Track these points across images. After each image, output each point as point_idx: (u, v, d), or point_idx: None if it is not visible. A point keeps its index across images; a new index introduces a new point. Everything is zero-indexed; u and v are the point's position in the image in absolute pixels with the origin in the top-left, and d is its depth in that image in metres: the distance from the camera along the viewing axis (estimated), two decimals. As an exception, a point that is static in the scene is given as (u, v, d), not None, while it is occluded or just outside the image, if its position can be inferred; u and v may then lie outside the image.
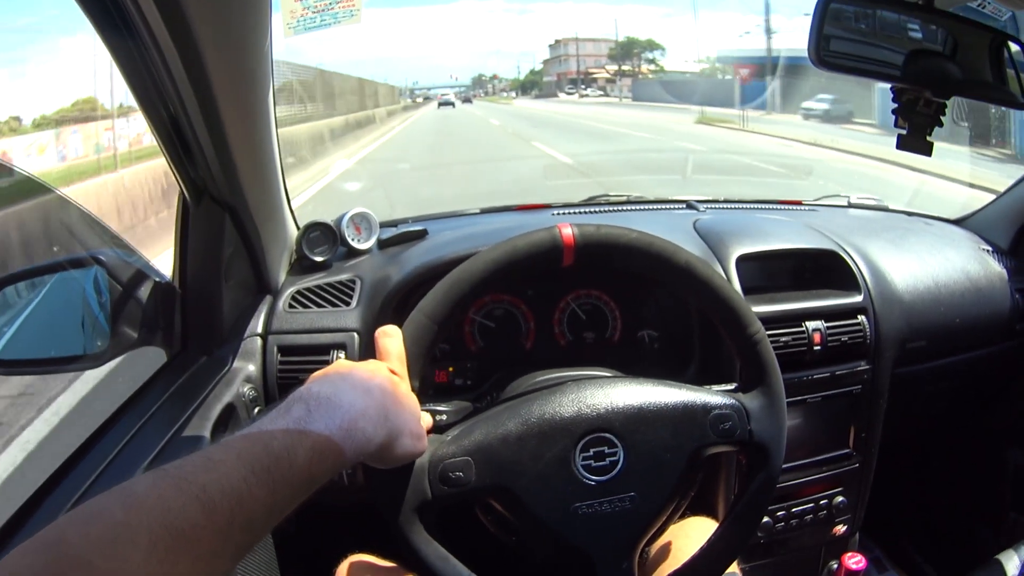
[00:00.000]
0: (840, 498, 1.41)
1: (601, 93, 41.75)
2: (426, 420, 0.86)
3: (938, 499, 1.88)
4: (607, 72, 43.37)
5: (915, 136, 1.03)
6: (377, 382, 0.76)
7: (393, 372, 0.82)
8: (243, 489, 0.57)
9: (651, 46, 42.69)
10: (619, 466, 0.88)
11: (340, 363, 0.82)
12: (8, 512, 0.87)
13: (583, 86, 44.57)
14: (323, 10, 0.95)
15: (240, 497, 0.57)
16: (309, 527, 1.34)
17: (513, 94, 54.05)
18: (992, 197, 1.83)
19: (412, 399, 0.81)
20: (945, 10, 1.03)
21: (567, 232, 0.91)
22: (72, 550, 0.48)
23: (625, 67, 43.73)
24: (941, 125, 1.02)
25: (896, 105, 1.03)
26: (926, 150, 1.03)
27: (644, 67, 42.68)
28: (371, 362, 0.82)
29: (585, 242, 0.91)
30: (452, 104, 39.56)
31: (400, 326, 0.88)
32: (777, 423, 0.95)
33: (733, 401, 0.93)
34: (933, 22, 1.02)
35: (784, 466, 1.23)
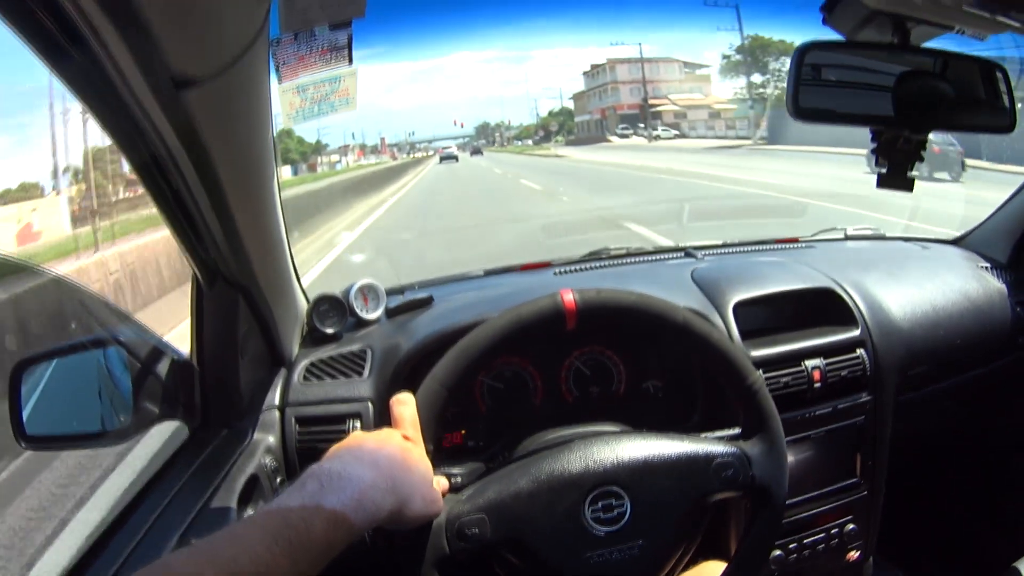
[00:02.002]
0: (851, 526, 1.43)
1: (676, 133, 27.39)
2: (442, 483, 0.92)
3: (952, 514, 1.89)
4: (675, 103, 28.30)
5: (895, 174, 1.05)
6: (386, 453, 0.81)
7: (407, 438, 0.88)
8: (268, 559, 0.63)
9: (781, 50, 23.34)
10: (626, 516, 0.92)
11: (352, 437, 0.87)
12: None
13: (643, 124, 29.28)
14: (321, 100, 1.00)
15: (266, 567, 0.62)
16: None
17: (529, 142, 40.98)
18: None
19: (424, 464, 0.86)
20: (921, 46, 1.04)
21: (568, 298, 0.96)
22: None
23: (738, 92, 26.45)
24: (921, 160, 1.04)
25: (874, 145, 1.05)
26: (907, 187, 1.05)
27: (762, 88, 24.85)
28: (383, 432, 0.88)
29: (586, 307, 0.97)
30: (455, 158, 32.93)
31: (413, 393, 0.93)
32: (778, 467, 0.98)
33: (735, 449, 0.97)
34: (916, 59, 1.03)
35: (793, 500, 1.26)
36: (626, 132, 30.39)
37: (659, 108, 29.32)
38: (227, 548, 0.63)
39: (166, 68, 0.71)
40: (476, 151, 38.67)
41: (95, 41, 0.65)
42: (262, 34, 0.78)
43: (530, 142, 41.63)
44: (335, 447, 0.85)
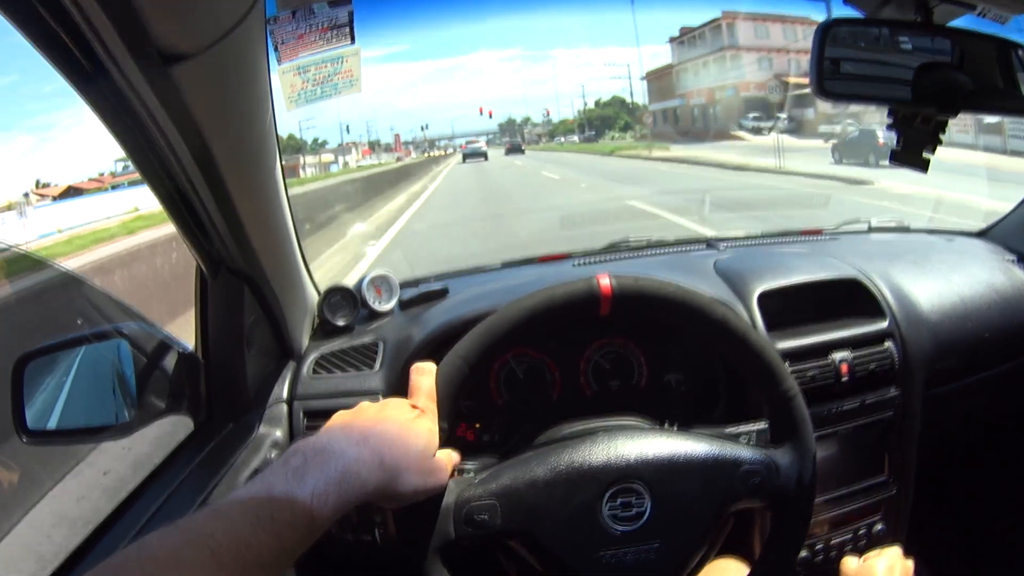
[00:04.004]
0: (879, 525, 1.39)
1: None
2: (453, 456, 0.88)
3: (984, 515, 1.83)
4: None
5: (909, 151, 1.02)
6: (378, 428, 0.79)
7: (416, 407, 0.85)
8: (249, 535, 0.62)
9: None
10: (645, 516, 0.88)
11: (343, 413, 0.85)
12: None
13: (784, 115, 18.27)
14: (323, 82, 0.97)
15: (247, 543, 0.61)
16: None
17: (574, 139, 35.25)
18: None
19: (425, 436, 0.83)
20: (944, 25, 1.03)
21: (605, 283, 0.92)
22: None
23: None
24: (940, 143, 1.01)
25: (891, 120, 1.03)
26: (921, 166, 1.02)
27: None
28: (387, 402, 0.87)
29: (622, 293, 0.93)
30: (483, 155, 26.27)
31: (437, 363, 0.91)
32: (807, 478, 0.94)
33: (763, 456, 0.93)
34: (935, 38, 1.02)
35: (819, 498, 1.21)
36: (762, 124, 19.39)
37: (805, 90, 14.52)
38: (207, 524, 0.62)
39: (153, 41, 0.68)
40: (514, 148, 30.72)
41: (77, 14, 0.63)
42: (256, 8, 0.75)
43: (575, 138, 35.62)
44: (329, 421, 0.83)
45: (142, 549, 0.59)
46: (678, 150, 20.42)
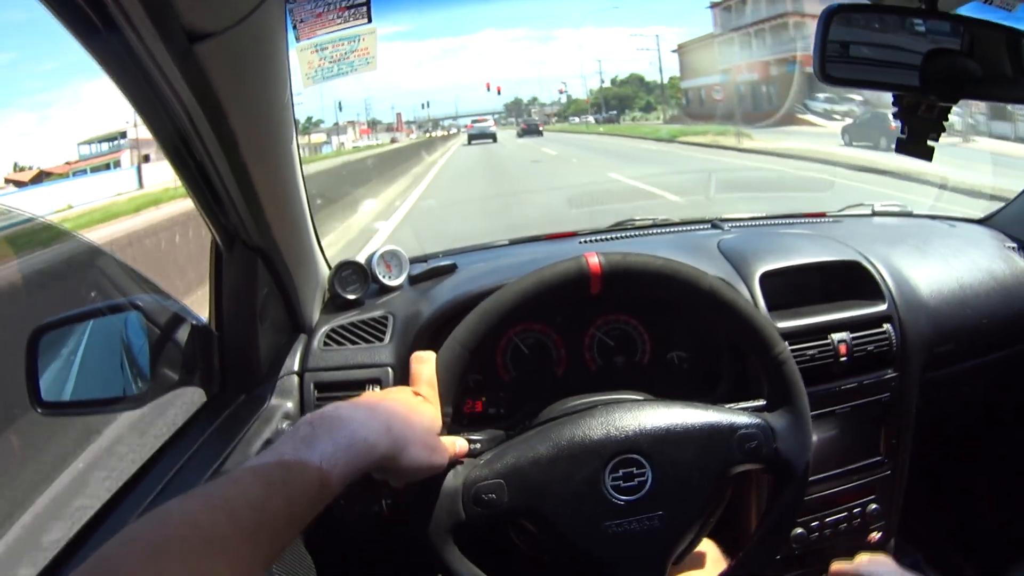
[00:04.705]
0: (873, 505, 1.41)
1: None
2: (461, 444, 0.91)
3: (976, 499, 1.86)
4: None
5: (914, 140, 1.03)
6: (385, 404, 0.82)
7: (418, 394, 0.88)
8: (263, 499, 0.64)
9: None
10: (647, 486, 0.91)
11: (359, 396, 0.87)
12: (58, 546, 0.92)
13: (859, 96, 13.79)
14: (339, 60, 0.99)
15: (260, 507, 0.63)
16: (352, 561, 1.37)
17: (589, 119, 31.22)
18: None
19: (429, 417, 0.86)
20: (950, 12, 1.03)
21: (594, 261, 0.95)
22: (118, 570, 0.54)
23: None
24: (943, 131, 1.02)
25: (896, 109, 1.04)
26: (926, 155, 1.03)
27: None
28: (392, 388, 0.91)
29: (612, 271, 0.95)
30: (492, 137, 22.45)
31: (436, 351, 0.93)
32: (802, 441, 0.97)
33: (759, 420, 0.96)
34: (942, 25, 1.02)
35: (815, 477, 1.24)
36: (836, 108, 16.10)
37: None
38: (223, 489, 0.64)
39: (179, 21, 0.70)
40: (530, 130, 25.22)
41: None
42: None
43: (590, 119, 31.50)
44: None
45: (162, 514, 0.61)
46: (764, 139, 15.24)
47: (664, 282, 0.98)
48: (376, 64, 1.02)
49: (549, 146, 19.71)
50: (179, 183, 0.99)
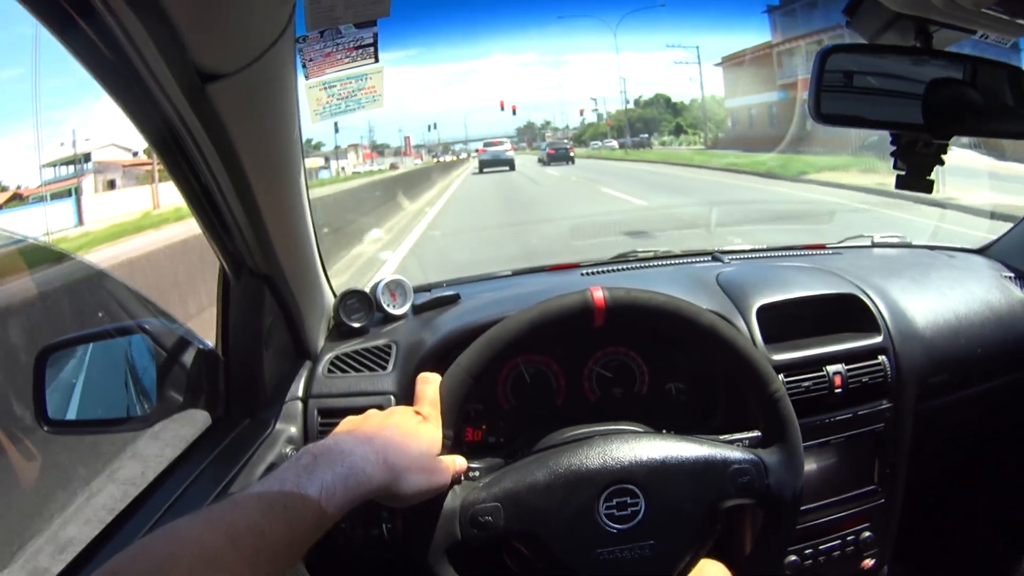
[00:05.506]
0: (867, 533, 1.42)
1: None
2: (461, 461, 0.94)
3: (970, 526, 1.86)
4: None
5: (915, 176, 1.05)
6: (384, 432, 0.85)
7: (419, 414, 0.92)
8: (264, 524, 0.67)
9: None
10: (640, 516, 0.93)
11: (350, 418, 0.93)
12: (65, 562, 0.95)
13: None
14: (347, 97, 1.01)
15: (262, 531, 0.67)
16: None
17: (613, 144, 26.40)
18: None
19: (428, 440, 0.89)
20: (948, 51, 1.05)
21: (598, 295, 0.98)
22: None
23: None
24: (942, 164, 1.04)
25: (894, 148, 1.05)
26: (926, 188, 1.05)
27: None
28: (392, 409, 0.94)
29: (615, 305, 0.98)
30: (509, 164, 18.98)
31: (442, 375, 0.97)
32: (794, 477, 0.99)
33: (752, 456, 0.98)
34: (941, 64, 1.03)
35: (809, 505, 1.25)
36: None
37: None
38: (227, 513, 0.67)
39: (192, 62, 0.73)
40: (558, 155, 20.71)
41: (123, 36, 0.68)
42: (287, 31, 0.80)
43: (613, 143, 26.80)
44: (338, 426, 0.90)
45: (169, 532, 0.64)
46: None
47: (665, 318, 1.01)
48: (383, 102, 1.05)
49: (608, 184, 13.65)
50: (186, 208, 1.01)
